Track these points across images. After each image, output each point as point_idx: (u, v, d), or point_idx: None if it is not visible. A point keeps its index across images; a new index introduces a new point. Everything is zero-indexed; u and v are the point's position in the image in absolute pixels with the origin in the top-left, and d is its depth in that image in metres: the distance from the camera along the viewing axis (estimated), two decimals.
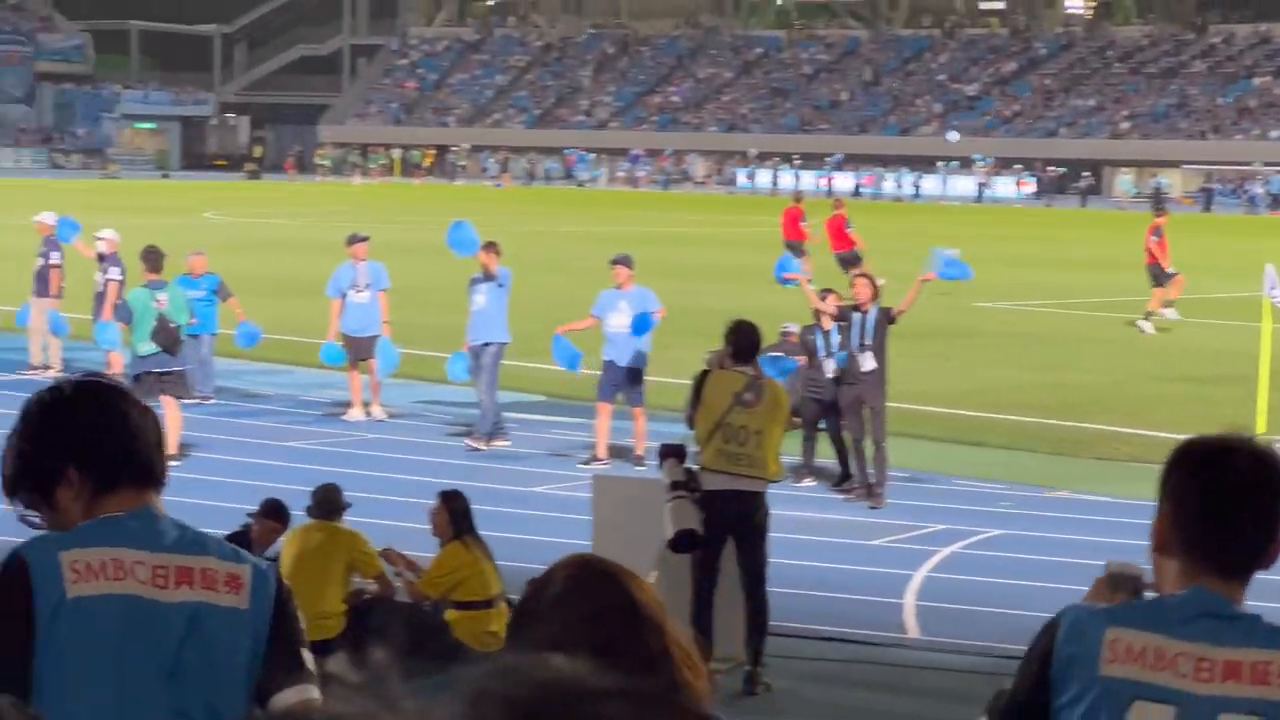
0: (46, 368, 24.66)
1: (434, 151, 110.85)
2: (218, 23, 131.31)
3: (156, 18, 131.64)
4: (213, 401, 22.84)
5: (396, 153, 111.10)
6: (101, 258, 23.95)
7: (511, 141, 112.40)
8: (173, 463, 17.65)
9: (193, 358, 22.97)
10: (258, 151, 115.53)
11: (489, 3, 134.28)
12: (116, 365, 21.32)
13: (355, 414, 22.12)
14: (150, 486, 4.07)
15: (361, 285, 22.07)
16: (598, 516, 13.15)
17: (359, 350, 22.06)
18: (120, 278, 23.29)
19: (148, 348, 19.05)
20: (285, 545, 12.41)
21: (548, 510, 17.40)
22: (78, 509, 4.00)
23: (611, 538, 12.32)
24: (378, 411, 22.12)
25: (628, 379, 19.38)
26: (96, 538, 3.96)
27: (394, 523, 14.97)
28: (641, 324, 19.15)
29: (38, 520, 4.06)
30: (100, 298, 23.03)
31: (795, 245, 39.24)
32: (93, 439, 4.01)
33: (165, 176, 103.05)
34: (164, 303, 19.21)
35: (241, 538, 12.36)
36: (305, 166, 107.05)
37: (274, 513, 12.91)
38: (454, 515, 12.38)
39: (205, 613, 4.00)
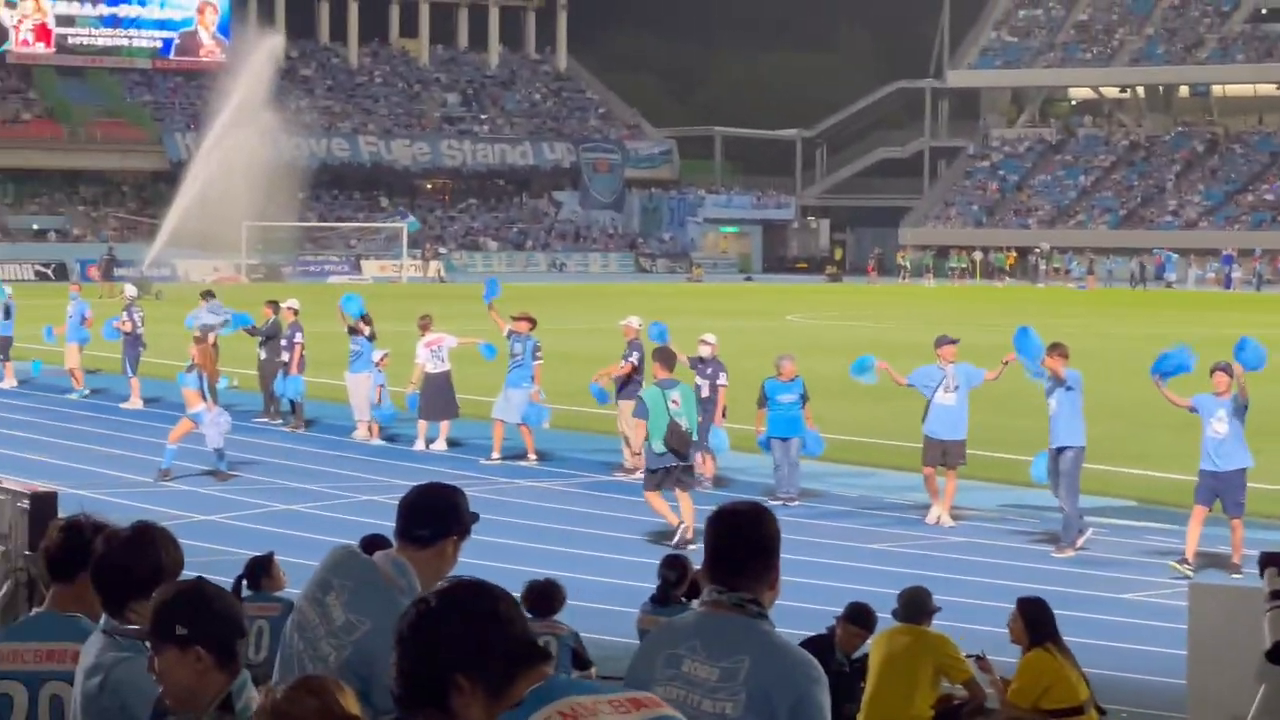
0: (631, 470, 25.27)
1: (1014, 253, 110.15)
2: (799, 128, 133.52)
3: (739, 124, 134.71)
4: (796, 503, 23.00)
5: (977, 254, 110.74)
6: (701, 361, 24.52)
7: (1095, 242, 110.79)
8: (690, 547, 19.04)
9: (782, 460, 23.25)
10: (838, 254, 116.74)
11: (1071, 103, 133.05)
12: (709, 470, 21.70)
13: (935, 515, 21.97)
14: (542, 663, 4.09)
15: (950, 387, 21.94)
16: (1193, 624, 12.66)
17: (944, 453, 21.91)
18: (724, 382, 23.99)
19: (660, 446, 20.02)
20: (872, 649, 12.29)
21: (1140, 618, 16.91)
22: (477, 710, 4.03)
23: (1208, 647, 11.84)
24: (946, 518, 21.89)
25: (1231, 484, 18.71)
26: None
27: (979, 627, 14.72)
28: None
29: None
30: (707, 403, 23.64)
31: None
32: (473, 647, 4.04)
33: (748, 279, 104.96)
34: (678, 402, 20.02)
35: (824, 641, 12.32)
36: (886, 269, 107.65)
37: (859, 617, 12.80)
38: (1032, 622, 12.09)
39: None
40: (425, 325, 28.81)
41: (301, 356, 30.51)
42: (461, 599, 4.11)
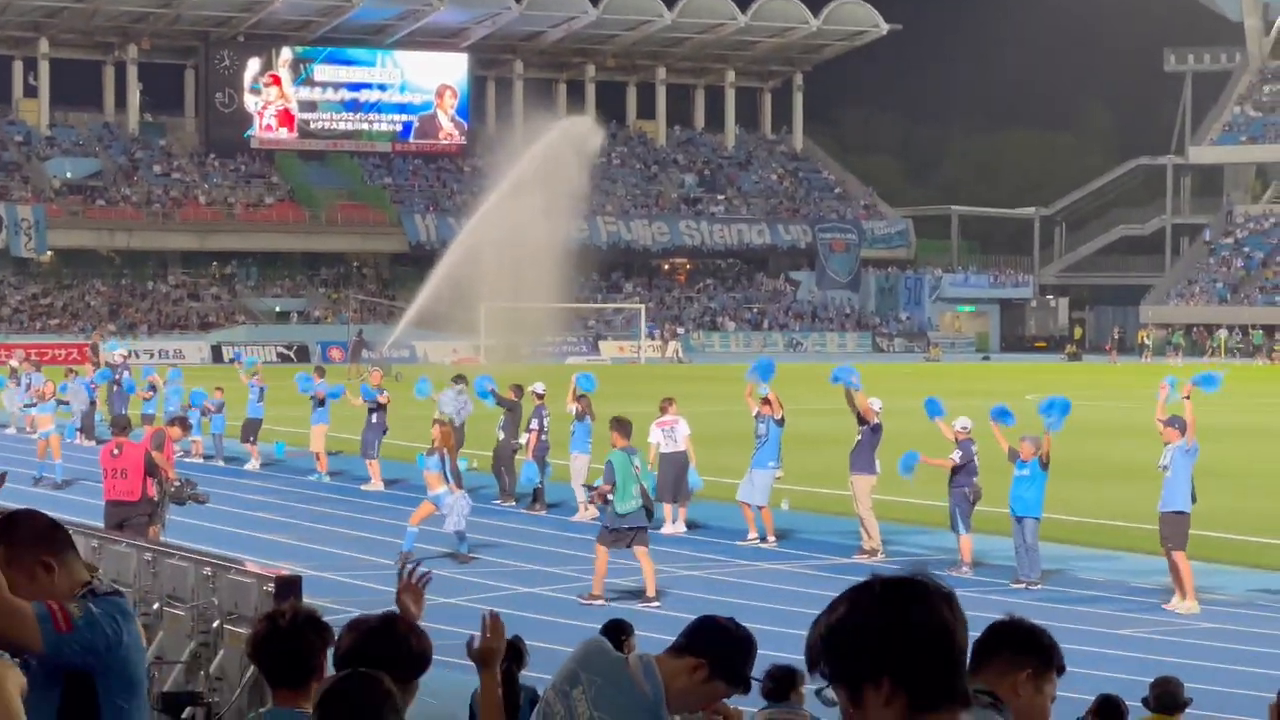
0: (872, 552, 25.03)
1: (1262, 331, 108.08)
2: (1036, 205, 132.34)
3: (976, 203, 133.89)
4: (1039, 587, 22.62)
5: (1222, 333, 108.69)
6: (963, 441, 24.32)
7: None
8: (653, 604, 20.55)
9: (1019, 543, 22.91)
10: (1078, 333, 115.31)
11: None
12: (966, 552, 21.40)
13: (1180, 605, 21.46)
14: (962, 707, 3.64)
15: (1163, 463, 21.54)
16: None
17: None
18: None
19: (627, 506, 21.63)
20: None
21: None
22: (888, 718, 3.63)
23: None
24: (1191, 604, 21.35)
25: None
26: None
27: (1234, 718, 14.31)
28: None
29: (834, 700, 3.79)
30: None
31: None
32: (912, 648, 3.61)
33: (986, 358, 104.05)
34: (639, 468, 21.91)
35: None
36: (1127, 347, 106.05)
37: (1111, 711, 12.46)
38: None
39: None
40: (665, 407, 28.89)
41: (540, 440, 30.61)
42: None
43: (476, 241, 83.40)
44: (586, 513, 29.52)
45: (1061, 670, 5.34)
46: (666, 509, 28.12)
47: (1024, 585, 22.40)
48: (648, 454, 28.26)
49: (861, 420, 25.94)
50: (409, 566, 6.76)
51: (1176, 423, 21.72)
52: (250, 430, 38.36)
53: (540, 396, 31.29)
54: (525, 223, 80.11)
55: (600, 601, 21.43)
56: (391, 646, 5.95)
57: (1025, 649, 5.38)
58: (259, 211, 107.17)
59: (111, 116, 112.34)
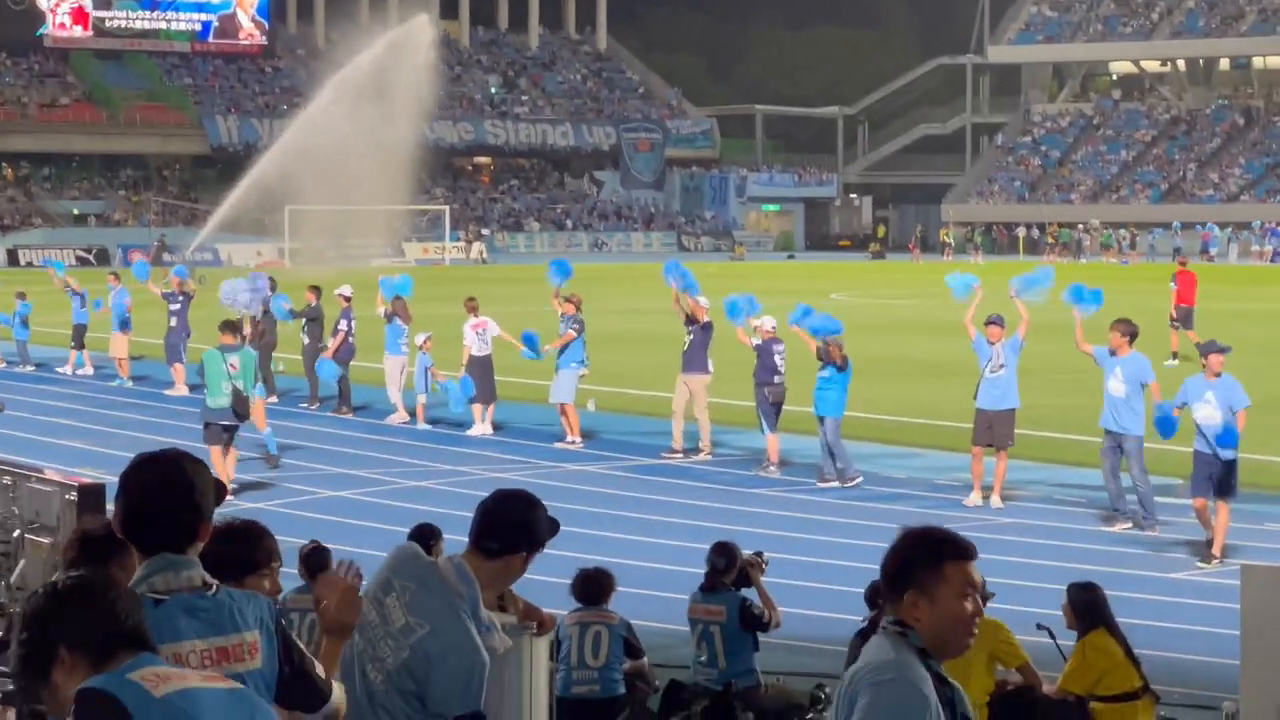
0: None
1: (1056, 227, 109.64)
2: (840, 105, 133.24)
3: (780, 102, 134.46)
4: (857, 482, 22.95)
5: (1020, 230, 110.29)
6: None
7: (1138, 218, 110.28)
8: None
9: (823, 442, 23.16)
10: (881, 231, 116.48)
11: (1112, 78, 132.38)
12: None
13: (977, 498, 21.86)
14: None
15: (997, 365, 21.81)
16: (1245, 605, 12.54)
17: (990, 428, 21.81)
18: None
19: (218, 403, 22.38)
20: None
21: (1191, 597, 16.82)
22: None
23: (1259, 627, 11.71)
24: (996, 500, 21.78)
25: (1222, 473, 18.44)
26: None
27: (1035, 610, 14.61)
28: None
29: None
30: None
31: None
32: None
33: (790, 258, 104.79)
34: (235, 366, 22.37)
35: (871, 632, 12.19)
36: (929, 246, 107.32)
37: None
38: (1081, 611, 11.95)
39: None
40: (473, 308, 28.78)
41: (346, 342, 30.46)
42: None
43: (297, 144, 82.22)
44: (399, 417, 29.45)
45: (963, 556, 5.22)
46: (476, 409, 28.10)
47: (832, 484, 22.75)
48: (462, 356, 28.20)
49: (690, 320, 25.91)
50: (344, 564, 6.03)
51: (1000, 320, 22.01)
52: (78, 336, 37.84)
53: (348, 300, 31.08)
54: (356, 127, 79.09)
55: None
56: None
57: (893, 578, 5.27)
58: (54, 112, 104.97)
59: None
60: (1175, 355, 37.15)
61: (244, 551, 6.16)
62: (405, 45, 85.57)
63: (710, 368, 25.73)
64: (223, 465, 21.96)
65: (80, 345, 37.73)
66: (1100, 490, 21.03)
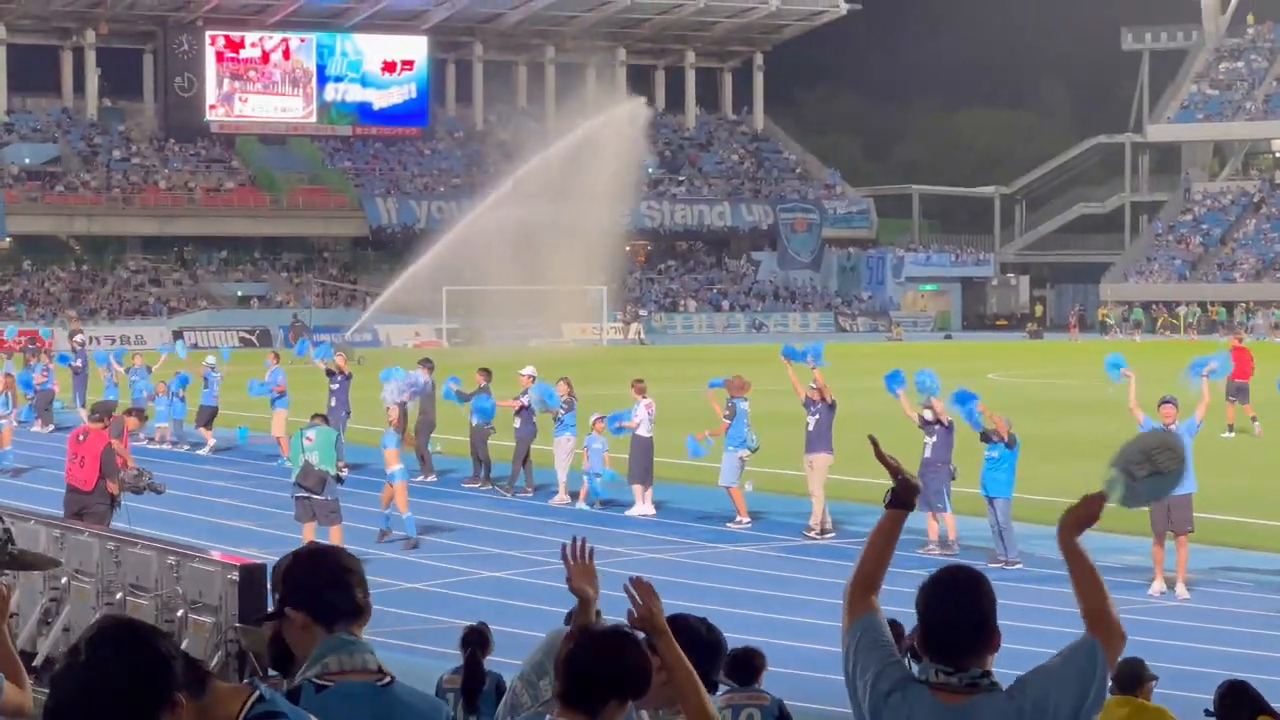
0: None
1: (1217, 308, 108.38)
2: (996, 184, 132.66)
3: (937, 182, 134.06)
4: (1018, 566, 22.66)
5: (1181, 310, 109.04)
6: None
7: None
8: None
9: (993, 523, 22.91)
10: (1039, 311, 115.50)
11: (1275, 155, 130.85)
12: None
13: (1157, 587, 21.36)
14: None
15: None
16: None
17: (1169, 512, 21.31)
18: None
19: (294, 476, 23.16)
20: None
21: None
22: None
23: None
24: (1181, 590, 21.26)
25: None
26: None
27: (1204, 696, 14.29)
28: None
29: None
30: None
31: None
32: None
33: (947, 337, 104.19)
34: (311, 439, 22.75)
35: None
36: (1087, 325, 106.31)
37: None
38: (1227, 702, 11.61)
39: None
40: (640, 389, 28.81)
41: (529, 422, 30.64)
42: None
43: (479, 226, 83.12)
44: (561, 498, 29.45)
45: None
46: (636, 489, 28.09)
47: (1002, 565, 22.46)
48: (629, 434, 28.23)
49: (813, 400, 25.87)
50: (575, 541, 6.11)
51: (1173, 400, 21.67)
52: (204, 417, 38.26)
53: (532, 379, 31.03)
54: (551, 208, 79.65)
55: None
56: (616, 663, 5.42)
57: None
58: (220, 196, 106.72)
59: (70, 102, 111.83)
60: (1231, 428, 40.17)
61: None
62: (612, 128, 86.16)
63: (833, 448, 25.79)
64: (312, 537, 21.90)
65: (207, 425, 38.15)
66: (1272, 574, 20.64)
